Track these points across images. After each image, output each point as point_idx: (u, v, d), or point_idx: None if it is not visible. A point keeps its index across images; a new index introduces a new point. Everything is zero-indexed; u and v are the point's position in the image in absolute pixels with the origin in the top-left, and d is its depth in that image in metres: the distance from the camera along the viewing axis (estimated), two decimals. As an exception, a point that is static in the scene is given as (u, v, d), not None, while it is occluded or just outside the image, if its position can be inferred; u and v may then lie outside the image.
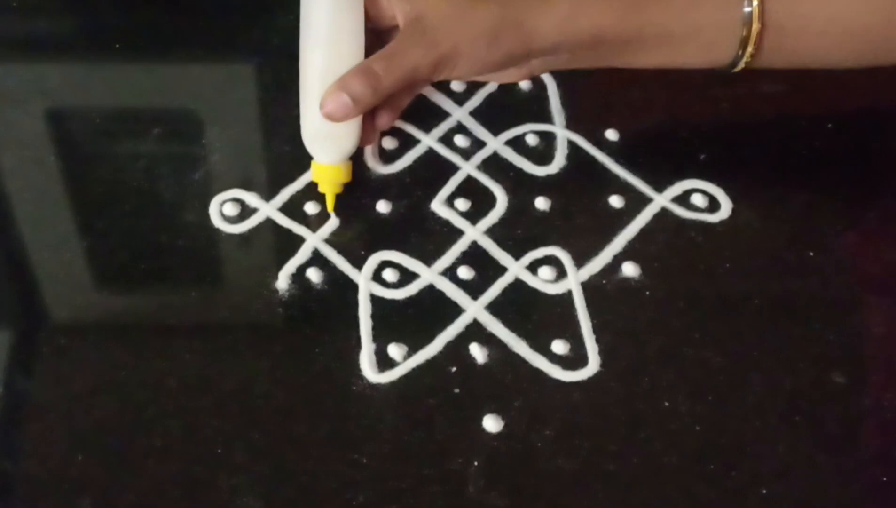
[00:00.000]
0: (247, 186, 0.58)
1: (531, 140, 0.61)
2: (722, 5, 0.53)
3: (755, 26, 0.52)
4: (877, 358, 0.51)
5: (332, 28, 0.53)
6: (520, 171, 0.59)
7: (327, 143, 0.54)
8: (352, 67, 0.52)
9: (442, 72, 0.53)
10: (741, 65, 0.54)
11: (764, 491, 0.47)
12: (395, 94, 0.53)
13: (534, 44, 0.52)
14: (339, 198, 0.57)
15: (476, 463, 0.47)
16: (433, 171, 0.59)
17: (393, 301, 0.53)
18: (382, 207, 0.57)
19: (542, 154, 0.60)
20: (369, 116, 0.54)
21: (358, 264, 0.55)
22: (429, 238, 0.56)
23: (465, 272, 0.54)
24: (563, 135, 0.61)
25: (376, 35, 0.54)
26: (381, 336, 0.52)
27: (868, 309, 0.54)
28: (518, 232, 0.56)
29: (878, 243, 0.57)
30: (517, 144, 0.60)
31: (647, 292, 0.54)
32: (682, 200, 0.58)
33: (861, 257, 0.56)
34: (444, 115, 0.62)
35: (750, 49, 0.53)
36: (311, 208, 0.57)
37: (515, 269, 0.55)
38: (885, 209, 0.58)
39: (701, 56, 0.55)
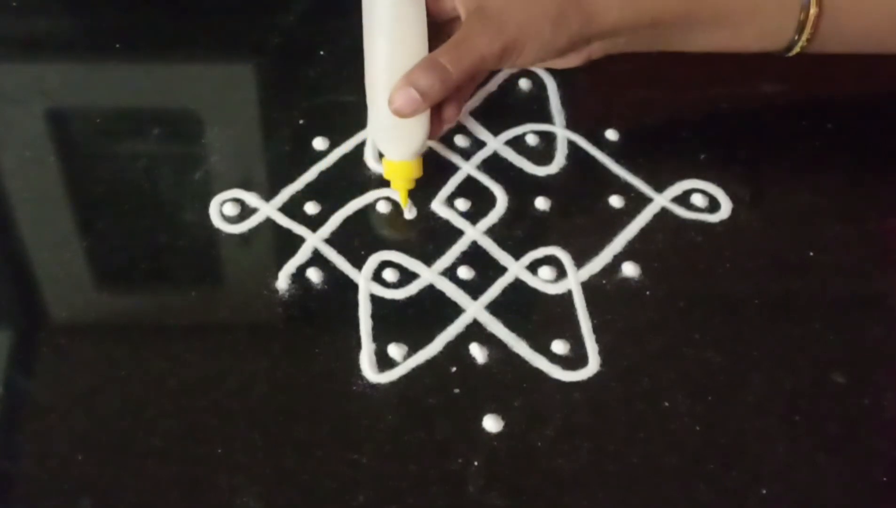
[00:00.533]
0: (247, 187, 0.58)
1: (531, 140, 0.61)
2: None
3: (813, 10, 0.52)
4: (877, 358, 0.51)
5: (396, 23, 0.52)
6: (520, 171, 0.59)
7: (397, 139, 0.54)
8: (418, 62, 0.52)
9: (508, 59, 0.53)
10: (797, 49, 0.54)
11: (764, 491, 0.47)
12: (461, 85, 0.53)
13: (596, 26, 0.53)
14: (337, 199, 0.57)
15: (476, 463, 0.47)
16: (433, 171, 0.59)
17: (393, 301, 0.53)
18: (382, 207, 0.57)
19: (542, 154, 0.60)
20: (435, 110, 0.54)
21: (358, 264, 0.55)
22: (429, 238, 0.56)
23: (465, 272, 0.54)
24: (563, 135, 0.61)
25: (438, 29, 0.54)
26: (381, 336, 0.52)
27: (868, 309, 0.54)
28: (518, 232, 0.56)
29: (878, 243, 0.57)
30: (517, 144, 0.60)
31: (647, 292, 0.54)
32: (682, 200, 0.58)
33: (861, 257, 0.56)
34: (444, 115, 0.62)
35: (807, 33, 0.53)
36: (311, 207, 0.57)
37: (515, 269, 0.55)
38: (885, 209, 0.58)
39: (758, 39, 0.55)
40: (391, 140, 0.55)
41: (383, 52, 0.53)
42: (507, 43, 0.52)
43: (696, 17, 0.54)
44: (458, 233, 0.56)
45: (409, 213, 0.57)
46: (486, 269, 0.55)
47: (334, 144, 0.60)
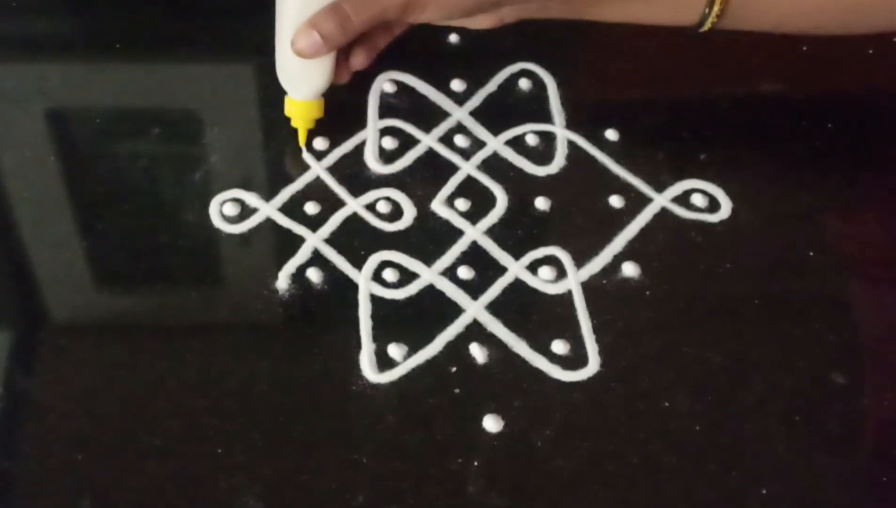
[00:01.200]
0: (247, 187, 0.58)
1: (531, 140, 0.61)
2: None
3: None
4: (877, 358, 0.51)
5: None
6: (520, 171, 0.59)
7: (300, 79, 0.56)
8: (323, 7, 0.53)
9: (412, 14, 0.54)
10: (708, 24, 0.55)
11: (764, 491, 0.47)
12: (370, 34, 0.55)
13: None
14: (337, 199, 0.57)
15: (476, 463, 0.47)
16: (433, 171, 0.59)
17: (393, 301, 0.53)
18: (382, 207, 0.57)
19: (542, 154, 0.60)
20: (343, 55, 0.56)
21: (358, 264, 0.55)
22: (429, 238, 0.56)
23: (465, 272, 0.54)
24: (563, 135, 0.61)
25: None
26: (381, 336, 0.52)
27: (868, 309, 0.54)
28: (518, 232, 0.56)
29: (879, 243, 0.57)
30: (517, 144, 0.60)
31: (647, 292, 0.54)
32: (682, 200, 0.58)
33: (861, 256, 0.56)
34: (444, 115, 0.62)
35: (716, 8, 0.53)
36: (311, 207, 0.57)
37: (515, 269, 0.55)
38: (885, 209, 0.58)
39: (669, 13, 0.55)
40: (294, 80, 0.57)
41: None
42: None
43: None
44: (458, 233, 0.56)
45: (307, 155, 0.59)
46: (486, 269, 0.55)
47: (334, 144, 0.60)
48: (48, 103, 0.63)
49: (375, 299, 0.53)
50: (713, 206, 0.57)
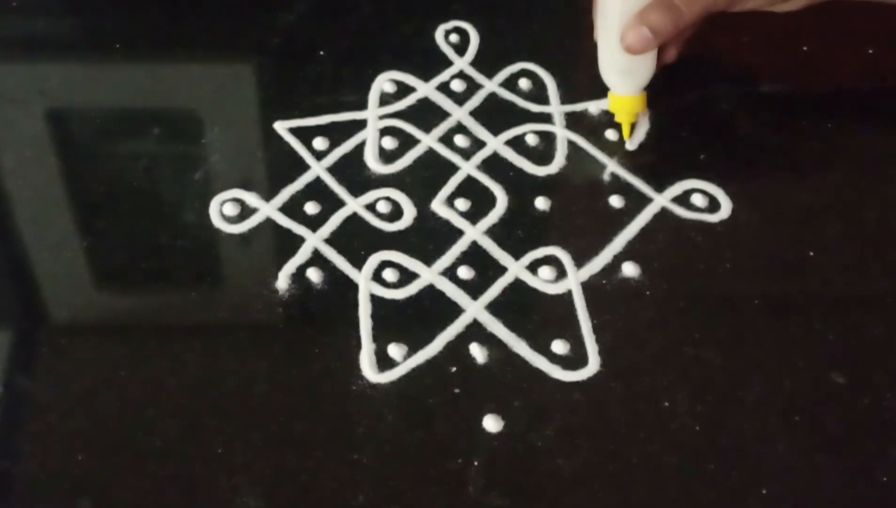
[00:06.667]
0: (247, 187, 0.58)
1: (531, 140, 0.61)
2: None
3: None
4: (877, 358, 0.51)
5: None
6: (520, 171, 0.59)
7: (625, 74, 0.57)
8: (651, 1, 0.54)
9: (738, 3, 0.54)
10: None
11: (764, 491, 0.47)
12: (692, 25, 0.55)
13: None
14: (337, 199, 0.57)
15: (476, 463, 0.47)
16: (433, 171, 0.59)
17: (393, 301, 0.53)
18: (382, 207, 0.57)
19: (542, 154, 0.60)
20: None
21: (358, 264, 0.55)
22: (429, 238, 0.56)
23: (465, 272, 0.54)
24: (563, 135, 0.61)
25: None
26: (381, 336, 0.52)
27: (868, 309, 0.54)
28: (518, 232, 0.56)
29: (878, 243, 0.57)
30: (517, 144, 0.60)
31: (647, 292, 0.54)
32: (682, 200, 0.58)
33: (861, 256, 0.56)
34: (444, 115, 0.62)
35: None
36: (311, 207, 0.57)
37: (515, 269, 0.55)
38: (885, 209, 0.58)
39: None
40: (619, 75, 0.58)
41: None
42: None
43: None
44: (458, 233, 0.56)
45: (631, 144, 0.59)
46: (486, 269, 0.55)
47: (334, 144, 0.60)
48: (48, 103, 0.63)
49: (375, 299, 0.53)
50: (713, 206, 0.57)
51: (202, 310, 0.54)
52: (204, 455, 0.48)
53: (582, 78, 0.62)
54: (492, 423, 0.49)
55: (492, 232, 0.56)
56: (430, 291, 0.54)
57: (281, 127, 0.61)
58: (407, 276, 0.54)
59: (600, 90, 0.60)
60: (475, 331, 0.52)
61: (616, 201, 0.57)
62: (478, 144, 0.60)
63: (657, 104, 0.61)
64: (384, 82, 0.63)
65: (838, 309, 0.54)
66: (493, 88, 0.63)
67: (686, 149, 0.60)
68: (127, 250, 0.56)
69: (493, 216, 0.57)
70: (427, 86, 0.63)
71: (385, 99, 0.63)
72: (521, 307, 0.53)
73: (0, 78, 0.65)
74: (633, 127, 0.59)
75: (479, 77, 0.64)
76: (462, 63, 0.65)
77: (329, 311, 0.53)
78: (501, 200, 0.58)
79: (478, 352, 0.51)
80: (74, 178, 0.60)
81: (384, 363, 0.51)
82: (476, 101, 0.63)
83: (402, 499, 0.47)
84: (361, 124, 0.61)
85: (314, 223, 0.56)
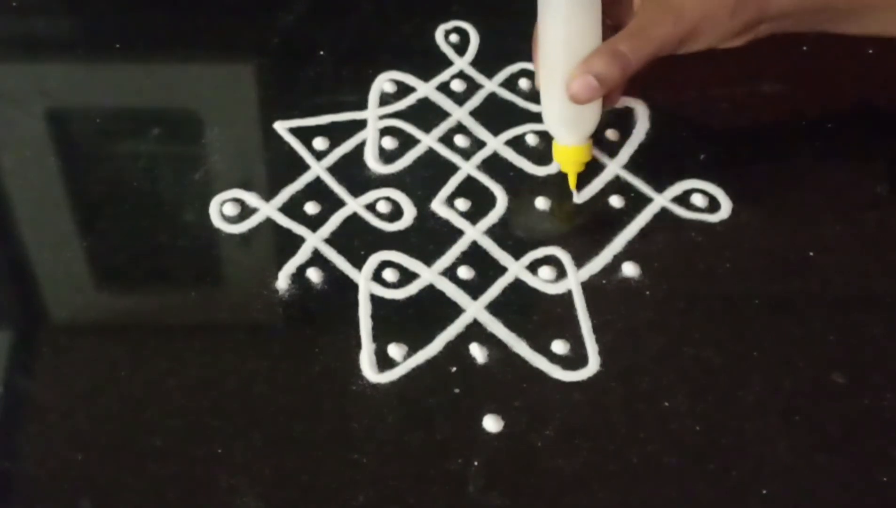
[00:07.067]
0: (247, 186, 0.58)
1: (531, 140, 0.61)
2: None
3: None
4: (877, 358, 0.51)
5: (571, 9, 0.52)
6: (520, 171, 0.59)
7: (571, 124, 0.55)
8: (596, 49, 0.53)
9: (684, 47, 0.53)
10: None
11: (764, 491, 0.47)
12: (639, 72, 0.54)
13: (771, 11, 0.53)
14: (337, 199, 0.57)
15: (476, 463, 0.47)
16: (433, 171, 0.59)
17: (393, 301, 0.53)
18: (382, 207, 0.57)
19: (542, 154, 0.60)
20: None
21: (358, 264, 0.55)
22: (429, 238, 0.56)
23: (465, 272, 0.54)
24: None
25: (603, 8, 0.54)
26: (381, 336, 0.52)
27: (868, 309, 0.54)
28: (518, 232, 0.56)
29: (878, 243, 0.57)
30: (517, 144, 0.60)
31: (647, 292, 0.54)
32: (682, 200, 0.58)
33: (860, 256, 0.56)
34: (445, 115, 0.62)
35: None
36: (311, 207, 0.57)
37: (515, 269, 0.55)
38: (885, 209, 0.58)
39: None
40: (564, 125, 0.55)
41: (559, 38, 0.53)
42: (686, 32, 0.53)
43: (865, 4, 0.54)
44: (458, 233, 0.56)
45: (579, 197, 0.57)
46: (486, 269, 0.55)
47: (334, 144, 0.60)
48: (48, 103, 0.63)
49: (375, 299, 0.53)
50: (713, 206, 0.57)
51: (202, 310, 0.54)
52: (204, 455, 0.48)
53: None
54: (492, 423, 0.49)
55: (492, 232, 0.56)
56: (430, 291, 0.54)
57: (281, 127, 0.61)
58: (407, 276, 0.54)
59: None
60: (475, 331, 0.52)
61: (616, 201, 0.57)
62: (478, 144, 0.60)
63: (657, 104, 0.61)
64: (384, 82, 0.63)
65: (838, 309, 0.54)
66: (493, 88, 0.63)
67: (686, 149, 0.60)
68: (127, 250, 0.56)
69: (493, 216, 0.57)
70: (427, 86, 0.63)
71: (385, 99, 0.63)
72: (521, 307, 0.53)
73: (0, 78, 0.65)
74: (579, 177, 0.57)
75: (479, 77, 0.64)
76: (462, 63, 0.65)
77: (329, 311, 0.53)
78: (501, 200, 0.58)
79: (478, 352, 0.51)
80: (74, 178, 0.60)
81: (384, 363, 0.51)
82: (476, 101, 0.63)
83: (402, 499, 0.47)
84: (361, 124, 0.61)
85: (314, 223, 0.56)
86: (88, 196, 0.59)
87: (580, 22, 0.53)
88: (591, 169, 0.59)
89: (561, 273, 0.54)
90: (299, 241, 0.56)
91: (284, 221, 0.57)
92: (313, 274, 0.54)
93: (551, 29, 0.53)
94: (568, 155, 0.56)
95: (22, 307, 0.55)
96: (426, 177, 0.59)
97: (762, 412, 0.49)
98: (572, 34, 0.53)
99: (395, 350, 0.51)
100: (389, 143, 0.60)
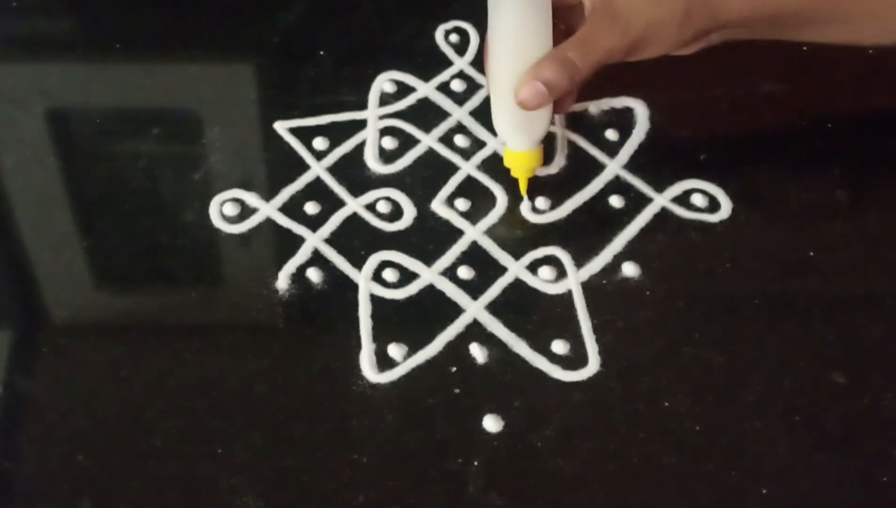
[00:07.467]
0: (247, 186, 0.58)
1: (531, 140, 0.61)
2: None
3: None
4: (877, 358, 0.51)
5: (522, 16, 0.53)
6: (520, 171, 0.59)
7: (520, 130, 0.55)
8: (544, 55, 0.53)
9: (632, 55, 0.54)
10: None
11: (764, 491, 0.47)
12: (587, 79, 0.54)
13: (720, 21, 0.53)
14: (337, 199, 0.57)
15: (476, 463, 0.47)
16: (433, 171, 0.59)
17: (393, 301, 0.53)
18: (382, 207, 0.57)
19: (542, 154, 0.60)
20: None
21: (358, 264, 0.55)
22: (429, 238, 0.56)
23: (465, 272, 0.54)
24: (563, 135, 0.61)
25: (555, 17, 0.54)
26: (381, 336, 0.52)
27: (868, 309, 0.54)
28: (518, 232, 0.56)
29: (878, 243, 0.57)
30: (517, 144, 0.60)
31: (647, 292, 0.54)
32: (682, 200, 0.58)
33: (860, 256, 0.56)
34: (445, 115, 0.62)
35: None
36: (311, 207, 0.57)
37: (515, 269, 0.55)
38: (885, 209, 0.58)
39: (876, 36, 0.56)
40: (514, 131, 0.55)
41: (509, 44, 0.53)
42: (634, 41, 0.53)
43: (816, 14, 0.54)
44: (458, 233, 0.56)
45: (526, 205, 0.57)
46: (486, 269, 0.55)
47: (334, 144, 0.60)
48: (48, 103, 0.63)
49: (375, 299, 0.53)
50: (713, 206, 0.57)
51: (202, 310, 0.54)
52: (204, 455, 0.48)
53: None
54: (492, 423, 0.49)
55: (492, 232, 0.56)
56: (430, 291, 0.54)
57: (281, 127, 0.61)
58: (407, 276, 0.54)
59: (600, 90, 0.60)
60: (475, 331, 0.52)
61: (616, 201, 0.57)
62: (478, 144, 0.60)
63: (657, 104, 0.61)
64: (384, 82, 0.63)
65: (838, 309, 0.54)
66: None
67: (686, 149, 0.60)
68: (127, 250, 0.56)
69: (493, 216, 0.57)
70: (427, 86, 0.63)
71: (385, 99, 0.63)
72: (521, 307, 0.53)
73: (0, 78, 0.65)
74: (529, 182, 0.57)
75: (479, 77, 0.64)
76: (462, 63, 0.64)
77: (329, 311, 0.53)
78: (501, 200, 0.58)
79: (478, 352, 0.51)
80: (74, 178, 0.60)
81: (384, 363, 0.51)
82: (476, 101, 0.62)
83: (402, 499, 0.47)
84: (361, 124, 0.61)
85: (314, 223, 0.56)
86: (88, 196, 0.59)
87: (530, 28, 0.53)
88: (591, 169, 0.59)
89: (561, 273, 0.54)
90: (299, 241, 0.56)
91: (284, 221, 0.57)
92: (313, 274, 0.54)
93: (501, 35, 0.53)
94: (518, 161, 0.56)
95: (22, 307, 0.55)
96: (426, 177, 0.59)
97: (762, 412, 0.49)
98: (521, 40, 0.53)
99: (395, 350, 0.51)
100: (389, 143, 0.60)
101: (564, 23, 0.55)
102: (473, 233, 0.56)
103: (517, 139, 0.55)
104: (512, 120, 0.55)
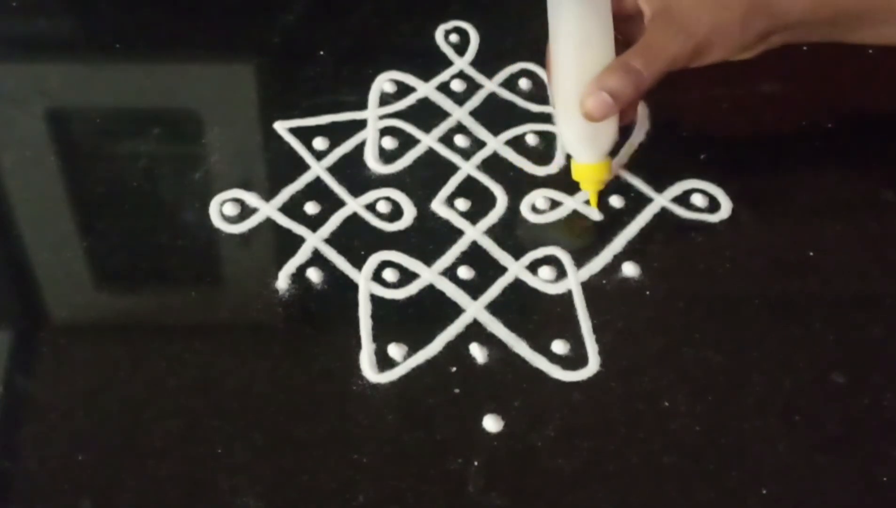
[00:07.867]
0: (247, 186, 0.58)
1: (531, 140, 0.60)
2: None
3: None
4: (877, 358, 0.51)
5: (583, 26, 0.52)
6: (520, 171, 0.59)
7: (588, 142, 0.54)
8: (607, 64, 0.52)
9: (697, 60, 0.53)
10: None
11: (764, 491, 0.47)
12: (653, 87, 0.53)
13: (781, 23, 0.53)
14: (337, 199, 0.57)
15: (476, 463, 0.47)
16: (433, 171, 0.59)
17: (393, 301, 0.53)
18: (382, 207, 0.57)
19: (542, 154, 0.60)
20: None
21: (358, 264, 0.55)
22: (429, 238, 0.56)
23: (465, 272, 0.54)
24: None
25: (614, 24, 0.53)
26: (381, 336, 0.52)
27: (868, 309, 0.54)
28: (518, 232, 0.56)
29: (878, 243, 0.57)
30: (517, 144, 0.60)
31: (647, 292, 0.54)
32: (682, 200, 0.58)
33: (860, 256, 0.56)
34: (445, 115, 0.62)
35: None
36: (311, 207, 0.57)
37: (515, 269, 0.55)
38: (885, 209, 0.58)
39: None
40: (581, 143, 0.55)
41: (571, 55, 0.53)
42: (697, 46, 0.52)
43: (876, 13, 0.54)
44: (458, 233, 0.56)
45: (598, 215, 0.57)
46: (486, 269, 0.55)
47: (334, 144, 0.60)
48: (48, 103, 0.63)
49: (375, 299, 0.53)
50: (713, 206, 0.57)
51: (202, 310, 0.54)
52: (204, 455, 0.48)
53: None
54: (492, 423, 0.49)
55: (492, 232, 0.56)
56: (430, 291, 0.54)
57: (281, 127, 0.61)
58: (407, 276, 0.54)
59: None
60: (475, 331, 0.52)
61: (616, 201, 0.57)
62: (478, 144, 0.60)
63: (657, 104, 0.61)
64: (384, 82, 0.63)
65: (838, 309, 0.54)
66: (493, 88, 0.63)
67: (686, 149, 0.60)
68: (127, 250, 0.56)
69: (493, 216, 0.57)
70: (427, 86, 0.63)
71: (385, 99, 0.63)
72: (521, 307, 0.53)
73: (0, 78, 0.65)
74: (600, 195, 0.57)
75: (479, 77, 0.64)
76: (462, 63, 0.64)
77: (329, 311, 0.53)
78: (501, 200, 0.58)
79: (478, 352, 0.51)
80: (74, 178, 0.60)
81: (384, 363, 0.51)
82: (476, 101, 0.63)
83: (402, 499, 0.47)
84: (361, 124, 0.61)
85: (314, 223, 0.56)
86: (88, 196, 0.59)
87: (592, 39, 0.52)
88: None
89: (561, 273, 0.54)
90: (299, 241, 0.56)
91: (284, 221, 0.57)
92: (313, 274, 0.54)
93: (563, 47, 0.53)
94: (587, 173, 0.56)
95: (22, 307, 0.55)
96: (426, 177, 0.59)
97: (762, 412, 0.49)
98: (584, 51, 0.52)
99: (395, 350, 0.51)
100: (389, 143, 0.60)
101: (622, 33, 0.54)
102: (473, 233, 0.56)
103: (585, 152, 0.55)
104: (579, 132, 0.54)
